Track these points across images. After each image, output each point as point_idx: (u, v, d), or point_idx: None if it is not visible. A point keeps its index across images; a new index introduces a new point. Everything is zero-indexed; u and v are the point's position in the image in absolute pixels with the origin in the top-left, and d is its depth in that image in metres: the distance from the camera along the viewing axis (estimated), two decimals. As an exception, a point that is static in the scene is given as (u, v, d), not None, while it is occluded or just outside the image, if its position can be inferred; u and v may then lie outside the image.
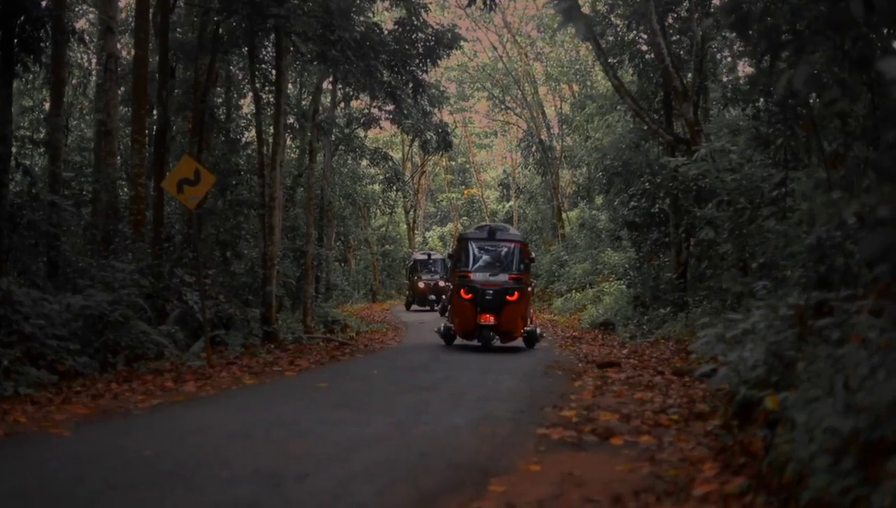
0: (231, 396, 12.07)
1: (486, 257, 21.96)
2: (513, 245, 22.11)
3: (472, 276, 21.29)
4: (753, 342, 7.55)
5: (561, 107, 54.99)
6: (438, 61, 25.99)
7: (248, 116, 31.85)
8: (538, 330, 22.76)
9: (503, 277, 21.18)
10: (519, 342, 22.07)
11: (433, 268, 46.71)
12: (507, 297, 20.71)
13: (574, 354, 20.36)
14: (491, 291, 20.71)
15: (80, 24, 32.62)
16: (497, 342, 21.42)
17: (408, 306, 45.89)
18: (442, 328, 22.44)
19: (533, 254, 24.46)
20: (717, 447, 7.42)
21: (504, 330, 21.06)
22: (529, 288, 22.28)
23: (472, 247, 22.16)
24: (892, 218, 3.94)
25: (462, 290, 21.02)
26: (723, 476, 6.37)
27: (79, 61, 32.81)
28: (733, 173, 17.40)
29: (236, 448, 7.85)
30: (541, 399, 11.84)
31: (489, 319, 20.73)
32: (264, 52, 24.32)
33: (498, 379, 14.64)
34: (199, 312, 16.45)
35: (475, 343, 21.40)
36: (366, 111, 37.67)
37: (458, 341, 22.12)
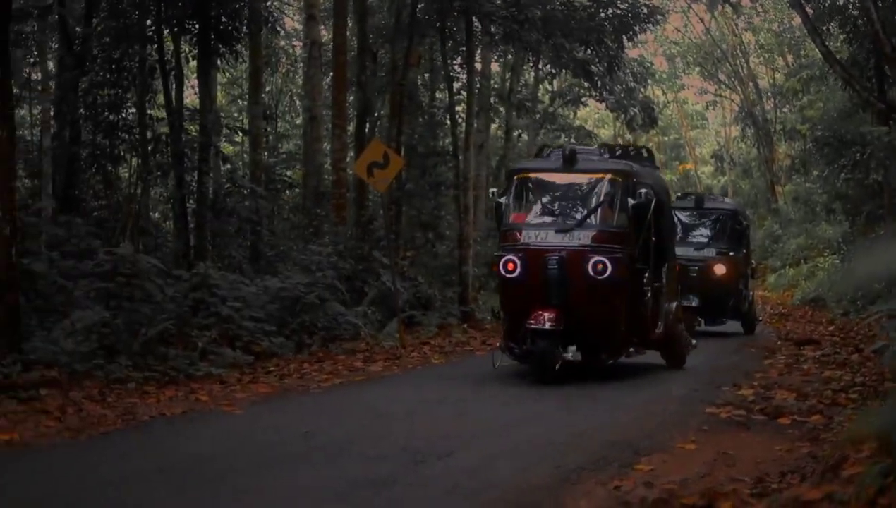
0: (413, 376, 12.26)
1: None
2: (605, 180, 11.66)
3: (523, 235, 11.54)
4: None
5: (774, 79, 53.28)
6: (636, 36, 25.42)
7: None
8: (693, 342, 13.48)
9: (579, 237, 11.21)
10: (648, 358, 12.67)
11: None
12: (592, 274, 10.95)
13: (776, 331, 19.79)
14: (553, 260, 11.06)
15: (293, 16, 33.59)
16: (573, 356, 11.47)
17: None
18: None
19: (652, 196, 11.70)
20: (884, 427, 7.11)
21: (587, 337, 11.32)
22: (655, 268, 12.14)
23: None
24: None
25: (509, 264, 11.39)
26: (878, 457, 6.09)
27: (289, 50, 33.72)
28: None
29: (393, 427, 8.00)
30: (722, 377, 11.57)
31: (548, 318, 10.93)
32: (458, 34, 24.37)
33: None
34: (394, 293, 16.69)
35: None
36: (574, 89, 37.29)
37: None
